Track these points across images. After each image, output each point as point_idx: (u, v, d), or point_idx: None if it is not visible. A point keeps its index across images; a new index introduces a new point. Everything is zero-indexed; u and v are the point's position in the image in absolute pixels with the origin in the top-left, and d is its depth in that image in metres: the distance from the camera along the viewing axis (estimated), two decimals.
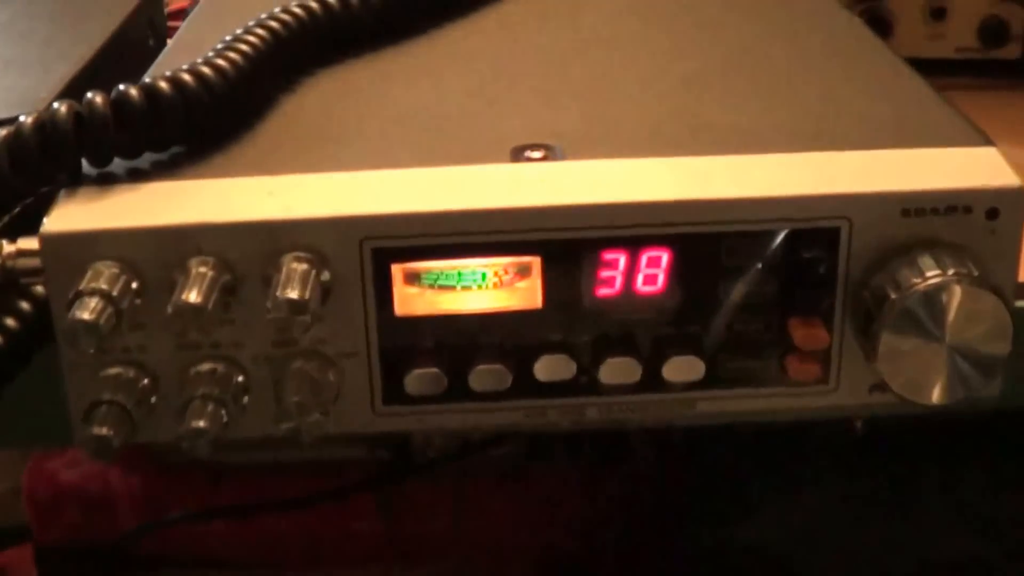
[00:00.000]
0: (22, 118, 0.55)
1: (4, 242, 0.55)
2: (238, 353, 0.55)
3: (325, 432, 0.55)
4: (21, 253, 0.55)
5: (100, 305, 0.51)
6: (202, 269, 0.53)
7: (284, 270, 0.52)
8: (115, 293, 0.52)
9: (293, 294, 0.51)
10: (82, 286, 0.52)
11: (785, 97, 0.62)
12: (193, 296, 0.51)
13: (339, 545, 1.07)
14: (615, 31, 0.73)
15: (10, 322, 0.58)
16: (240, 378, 0.55)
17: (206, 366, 0.55)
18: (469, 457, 1.06)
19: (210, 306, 0.51)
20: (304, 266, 0.53)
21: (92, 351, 0.51)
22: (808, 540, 0.93)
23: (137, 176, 0.56)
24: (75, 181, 0.55)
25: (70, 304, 0.51)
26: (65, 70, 0.66)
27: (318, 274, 0.53)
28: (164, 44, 0.85)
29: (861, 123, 0.59)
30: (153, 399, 0.55)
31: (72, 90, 0.65)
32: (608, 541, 1.06)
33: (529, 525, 1.06)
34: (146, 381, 0.55)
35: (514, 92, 0.64)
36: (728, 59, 0.68)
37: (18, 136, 0.55)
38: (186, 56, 0.59)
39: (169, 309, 0.51)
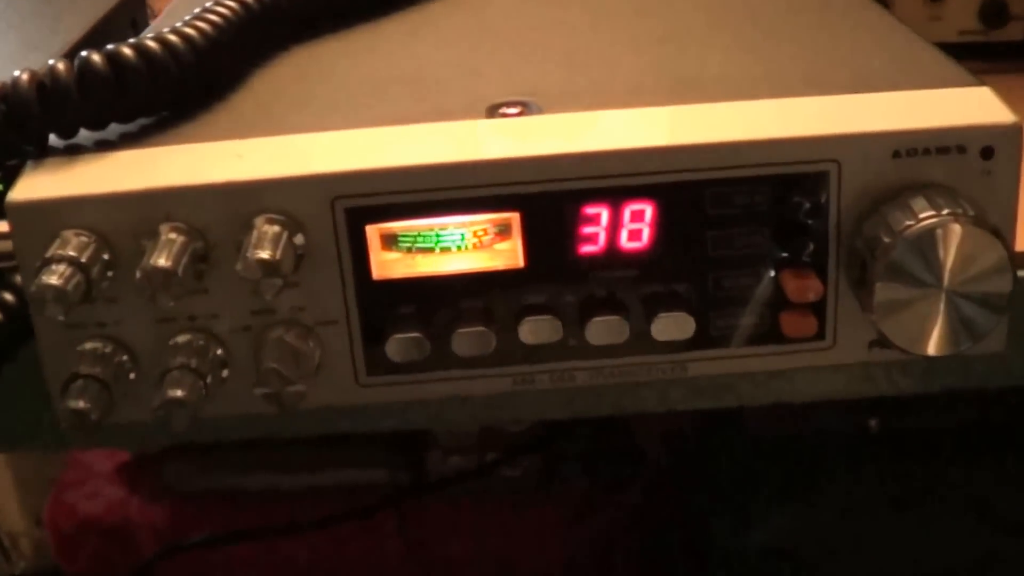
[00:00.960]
0: None
1: None
2: (215, 325, 0.52)
3: (305, 403, 0.52)
4: None
5: (68, 271, 0.49)
6: (172, 235, 0.50)
7: (255, 232, 0.49)
8: (84, 260, 0.49)
9: (264, 254, 0.48)
10: (50, 253, 0.49)
11: (770, 50, 0.59)
12: (162, 260, 0.48)
13: (361, 567, 1.03)
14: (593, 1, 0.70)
15: None
16: (219, 351, 0.52)
17: (183, 338, 0.52)
18: (486, 476, 1.03)
19: (180, 271, 0.49)
20: (276, 228, 0.50)
21: (61, 318, 0.48)
22: (825, 541, 0.89)
23: (104, 147, 0.53)
24: (42, 153, 0.53)
25: (38, 272, 0.49)
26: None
27: (291, 236, 0.50)
28: None
29: (849, 70, 0.56)
30: (131, 376, 0.52)
31: None
32: (628, 552, 1.02)
33: (549, 542, 1.02)
34: (124, 357, 0.52)
35: (491, 57, 0.61)
36: (710, 17, 0.65)
37: (16, 90, 0.52)
38: None
39: (138, 274, 0.48)
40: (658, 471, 1.03)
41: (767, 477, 0.91)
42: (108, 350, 0.52)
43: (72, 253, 0.49)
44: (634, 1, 0.68)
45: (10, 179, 0.52)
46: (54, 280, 0.48)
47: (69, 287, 0.48)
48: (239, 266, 0.48)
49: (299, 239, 0.50)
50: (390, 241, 0.51)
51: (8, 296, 0.56)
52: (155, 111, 0.55)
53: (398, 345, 0.52)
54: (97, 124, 0.54)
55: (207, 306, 0.52)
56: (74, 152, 0.53)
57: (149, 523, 1.04)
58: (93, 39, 0.68)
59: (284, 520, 1.03)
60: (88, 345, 0.52)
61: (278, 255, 0.48)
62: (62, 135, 0.53)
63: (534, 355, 0.53)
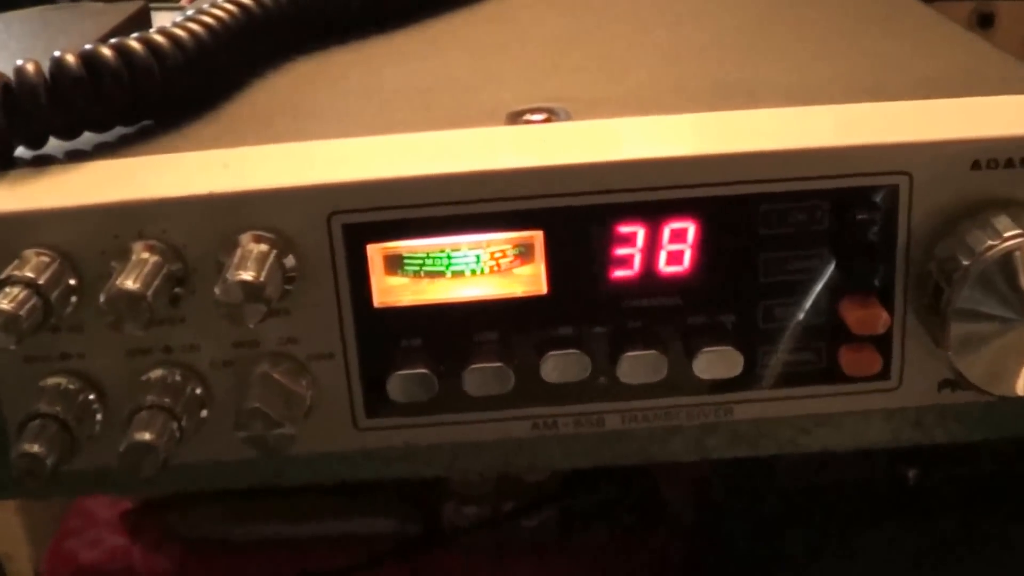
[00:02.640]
0: None
1: None
2: (194, 358, 0.43)
3: (296, 448, 0.42)
4: None
5: (23, 295, 0.40)
6: (144, 255, 0.41)
7: (239, 251, 0.41)
8: (42, 282, 0.40)
9: (247, 275, 0.39)
10: (4, 274, 0.40)
11: (825, 54, 0.51)
12: (131, 283, 0.40)
13: None
14: (624, 9, 0.60)
15: None
16: (198, 389, 0.43)
17: (157, 373, 0.43)
18: (503, 527, 0.93)
19: (150, 295, 0.40)
20: (263, 247, 0.41)
21: (12, 347, 0.39)
22: None
23: (76, 158, 0.45)
24: (6, 164, 0.44)
25: None
26: None
27: (280, 257, 0.41)
28: None
29: (916, 75, 0.47)
30: (98, 416, 0.44)
31: None
32: None
33: None
34: (91, 396, 0.43)
35: (513, 64, 0.53)
36: (752, 24, 0.56)
37: None
38: None
39: (101, 297, 0.40)
40: (683, 522, 0.93)
41: (799, 530, 0.81)
42: (72, 386, 0.43)
43: (29, 274, 0.40)
44: (670, 10, 0.59)
45: None
46: (5, 304, 0.39)
47: (22, 312, 0.39)
48: (218, 289, 0.40)
49: (290, 260, 0.41)
50: (394, 264, 0.42)
51: None
52: (136, 119, 0.46)
53: (402, 383, 0.43)
54: (69, 133, 0.45)
55: (184, 337, 0.43)
56: (42, 164, 0.44)
57: (152, 572, 0.95)
58: None
59: (292, 571, 0.94)
60: (50, 380, 0.43)
61: (263, 277, 0.39)
62: (29, 145, 0.45)
63: (558, 395, 0.44)
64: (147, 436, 0.41)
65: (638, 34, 0.56)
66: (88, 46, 0.45)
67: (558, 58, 0.53)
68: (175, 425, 0.42)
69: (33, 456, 0.41)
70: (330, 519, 0.95)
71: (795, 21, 0.55)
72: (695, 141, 0.42)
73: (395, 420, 0.44)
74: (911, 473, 0.82)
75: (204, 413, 0.43)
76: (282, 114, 0.48)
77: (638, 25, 0.57)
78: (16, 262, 0.41)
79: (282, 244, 0.41)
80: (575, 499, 0.95)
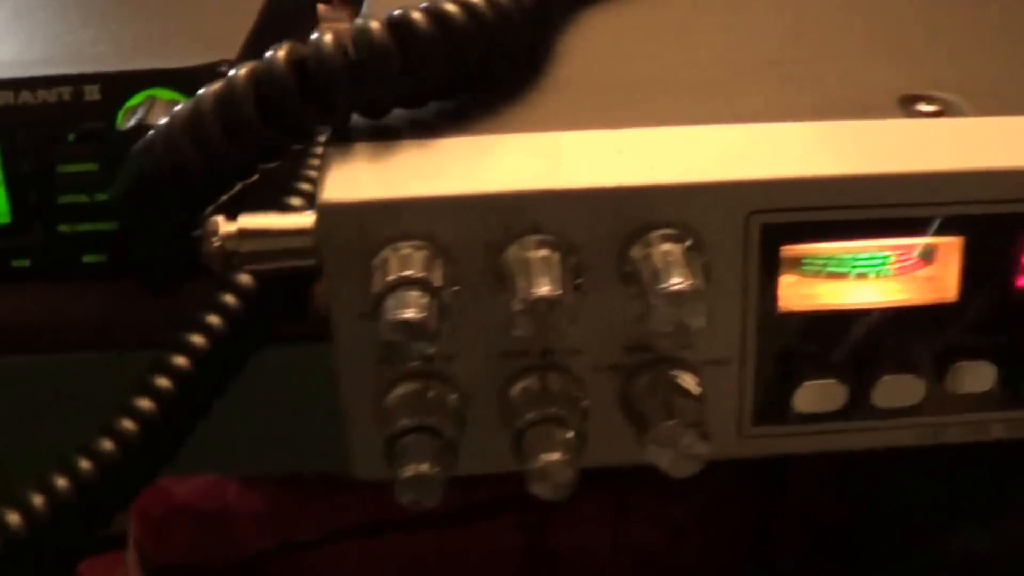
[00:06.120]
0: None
1: (221, 220, 0.39)
2: (575, 362, 0.39)
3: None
4: (243, 233, 0.39)
5: (424, 300, 0.35)
6: (543, 252, 0.37)
7: (653, 251, 0.36)
8: (437, 283, 0.36)
9: (682, 284, 0.35)
10: (392, 276, 0.36)
11: None
12: (545, 287, 0.35)
13: (480, 564, 0.90)
14: None
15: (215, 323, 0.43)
16: (584, 400, 0.39)
17: (532, 381, 0.39)
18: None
19: (568, 299, 0.36)
20: (676, 246, 0.37)
21: (431, 351, 0.35)
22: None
23: (422, 130, 0.40)
24: (344, 135, 0.40)
25: (377, 301, 0.35)
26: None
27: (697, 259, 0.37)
28: None
29: None
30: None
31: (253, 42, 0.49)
32: (794, 553, 0.89)
33: (696, 533, 0.89)
34: (454, 396, 0.39)
35: (887, 36, 0.47)
36: None
37: (271, 75, 0.38)
38: None
39: (516, 307, 0.35)
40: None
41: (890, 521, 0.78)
42: (437, 391, 0.39)
43: (421, 273, 0.36)
44: None
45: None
46: (413, 314, 0.35)
47: (430, 318, 0.35)
48: (658, 299, 0.35)
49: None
50: (794, 265, 0.38)
51: (231, 300, 0.43)
52: (482, 85, 0.42)
53: (809, 393, 0.39)
54: (417, 101, 0.40)
55: (573, 340, 0.39)
56: (382, 136, 0.39)
57: (248, 510, 0.90)
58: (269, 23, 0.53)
59: (395, 509, 0.89)
60: (407, 387, 0.39)
61: (698, 282, 0.35)
62: (370, 115, 0.40)
63: (959, 403, 0.41)
64: (555, 456, 0.37)
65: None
66: (427, 3, 0.40)
67: (932, 34, 0.47)
68: (570, 435, 0.38)
69: (422, 478, 0.37)
70: None
71: None
72: None
73: (784, 428, 0.41)
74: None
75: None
76: (633, 87, 0.43)
77: None
78: (393, 260, 0.36)
79: (695, 244, 0.37)
80: None
